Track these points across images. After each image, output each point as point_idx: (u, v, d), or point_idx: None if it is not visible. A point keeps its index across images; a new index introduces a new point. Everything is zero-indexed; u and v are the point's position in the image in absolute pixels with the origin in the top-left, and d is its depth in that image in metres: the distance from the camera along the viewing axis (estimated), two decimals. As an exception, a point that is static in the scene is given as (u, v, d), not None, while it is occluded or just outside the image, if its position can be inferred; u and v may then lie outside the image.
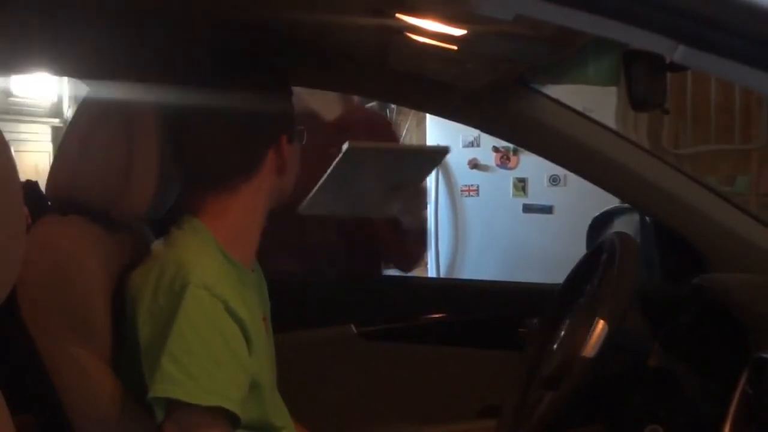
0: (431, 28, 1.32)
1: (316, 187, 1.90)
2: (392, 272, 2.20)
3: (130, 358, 1.19)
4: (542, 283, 2.05)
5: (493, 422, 1.56)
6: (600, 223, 1.94)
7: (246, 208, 1.31)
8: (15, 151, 0.83)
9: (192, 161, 1.31)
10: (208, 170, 1.30)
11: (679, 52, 0.79)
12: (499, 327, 1.80)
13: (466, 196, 4.24)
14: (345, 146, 1.85)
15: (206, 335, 1.13)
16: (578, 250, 1.65)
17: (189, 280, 1.14)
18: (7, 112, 4.71)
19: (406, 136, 4.60)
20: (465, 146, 4.12)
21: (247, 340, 1.19)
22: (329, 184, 1.90)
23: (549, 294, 1.57)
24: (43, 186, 1.39)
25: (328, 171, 1.87)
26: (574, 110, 1.67)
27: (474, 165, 4.18)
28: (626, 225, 1.81)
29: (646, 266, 1.73)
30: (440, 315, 1.95)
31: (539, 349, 1.38)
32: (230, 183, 1.29)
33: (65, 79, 4.61)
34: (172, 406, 1.11)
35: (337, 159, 1.85)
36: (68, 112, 5.04)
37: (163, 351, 1.11)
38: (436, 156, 1.89)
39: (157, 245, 1.29)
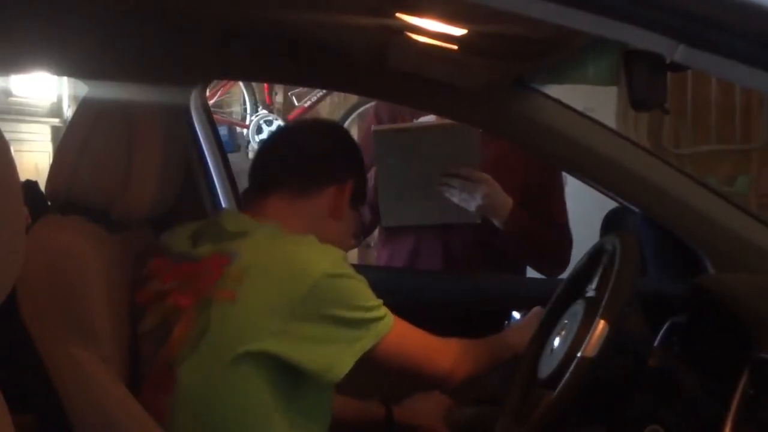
0: (431, 28, 1.32)
1: (380, 194, 1.91)
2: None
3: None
4: (536, 278, 2.06)
5: (485, 409, 1.57)
6: (613, 219, 1.91)
7: (297, 221, 1.36)
8: (15, 151, 0.83)
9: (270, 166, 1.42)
10: (274, 172, 1.40)
11: (679, 52, 0.79)
12: (489, 319, 1.79)
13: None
14: (372, 132, 1.87)
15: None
16: (578, 250, 1.65)
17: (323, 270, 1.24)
18: (7, 112, 4.70)
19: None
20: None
21: None
22: (386, 182, 1.91)
23: (541, 287, 1.57)
24: (43, 186, 1.39)
25: (377, 167, 1.89)
26: (574, 110, 1.66)
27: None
28: (639, 221, 1.79)
29: (647, 266, 1.73)
30: (434, 306, 1.94)
31: (539, 349, 1.38)
32: (287, 189, 1.37)
33: (65, 79, 4.61)
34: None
35: (375, 149, 1.87)
36: (68, 112, 5.04)
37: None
38: (468, 130, 1.87)
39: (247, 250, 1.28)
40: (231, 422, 1.24)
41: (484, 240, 2.01)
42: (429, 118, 1.98)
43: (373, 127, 1.88)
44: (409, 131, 1.94)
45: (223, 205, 1.95)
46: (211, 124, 2.02)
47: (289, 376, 1.25)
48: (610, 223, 1.91)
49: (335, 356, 1.25)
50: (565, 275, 1.53)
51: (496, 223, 1.94)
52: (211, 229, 1.34)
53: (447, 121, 1.91)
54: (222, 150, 2.03)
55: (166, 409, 1.25)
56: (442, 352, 1.38)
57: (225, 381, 1.23)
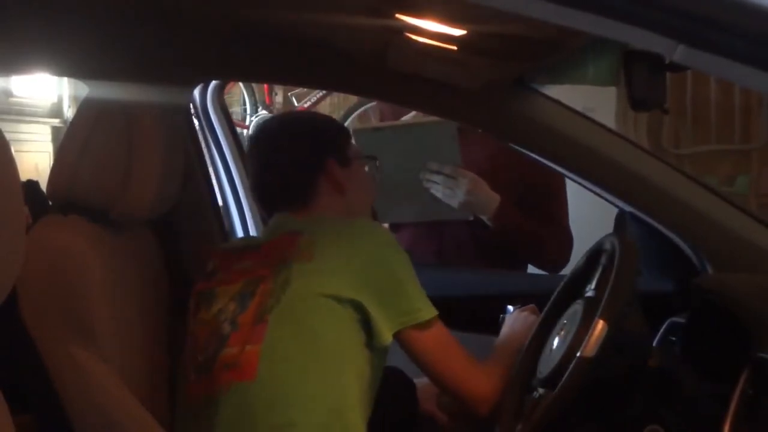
0: (431, 28, 1.32)
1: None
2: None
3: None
4: (534, 274, 2.06)
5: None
6: (623, 219, 1.90)
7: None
8: (15, 151, 0.83)
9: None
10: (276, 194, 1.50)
11: (678, 52, 0.79)
12: (484, 312, 1.79)
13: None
14: (351, 131, 1.88)
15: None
16: (577, 250, 1.65)
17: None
18: (8, 112, 4.71)
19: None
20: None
21: None
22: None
23: (539, 283, 1.57)
24: (43, 186, 1.39)
25: None
26: (574, 110, 1.66)
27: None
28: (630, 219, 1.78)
29: (646, 266, 1.72)
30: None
31: (538, 349, 1.38)
32: (287, 208, 1.46)
33: (65, 79, 4.61)
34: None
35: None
36: (68, 112, 5.04)
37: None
38: (445, 127, 1.90)
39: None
40: (313, 358, 1.32)
41: (477, 237, 2.02)
42: (410, 117, 2.01)
43: (353, 127, 1.91)
44: (388, 129, 1.97)
45: (243, 202, 1.98)
46: (229, 123, 2.03)
47: (364, 321, 1.34)
48: (621, 223, 1.90)
49: (395, 319, 1.34)
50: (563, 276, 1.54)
51: (483, 219, 1.95)
52: (264, 232, 1.52)
53: (426, 118, 1.93)
54: (241, 148, 2.04)
55: (254, 358, 1.31)
56: (482, 377, 1.40)
57: (310, 316, 1.32)
